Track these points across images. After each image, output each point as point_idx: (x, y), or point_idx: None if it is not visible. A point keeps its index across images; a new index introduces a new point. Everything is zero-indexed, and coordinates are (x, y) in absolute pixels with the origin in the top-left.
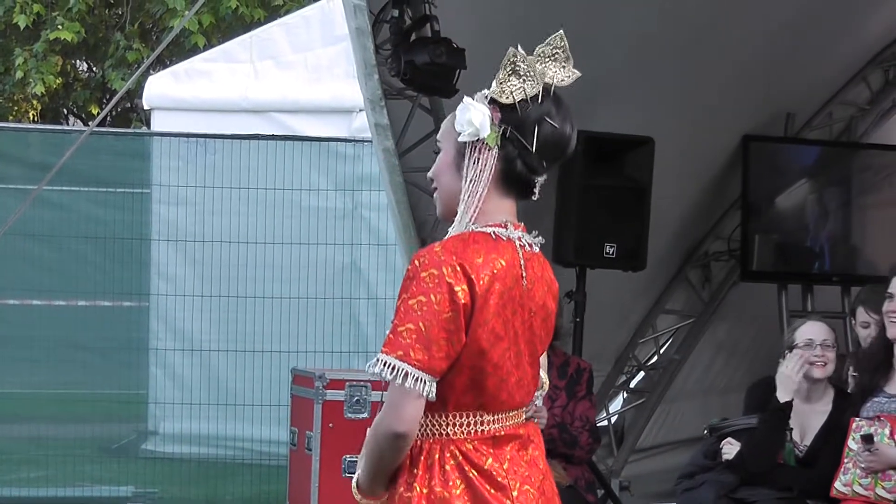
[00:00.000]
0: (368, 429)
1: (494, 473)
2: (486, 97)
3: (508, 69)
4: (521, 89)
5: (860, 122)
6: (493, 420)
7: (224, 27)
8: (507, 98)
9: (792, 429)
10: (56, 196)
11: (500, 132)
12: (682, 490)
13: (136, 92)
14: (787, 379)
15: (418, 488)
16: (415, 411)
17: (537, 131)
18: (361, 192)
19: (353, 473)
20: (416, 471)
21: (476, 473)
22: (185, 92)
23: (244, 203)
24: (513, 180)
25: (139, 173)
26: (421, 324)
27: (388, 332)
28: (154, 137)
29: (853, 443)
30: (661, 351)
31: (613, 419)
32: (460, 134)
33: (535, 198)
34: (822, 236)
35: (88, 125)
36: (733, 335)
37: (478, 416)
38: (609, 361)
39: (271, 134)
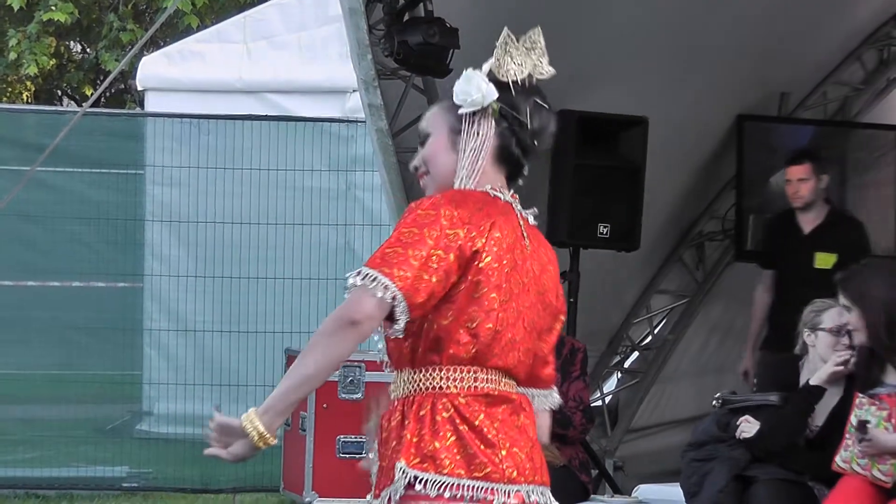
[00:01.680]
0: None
1: (485, 430)
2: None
3: (503, 49)
4: (515, 70)
5: (854, 101)
6: (487, 379)
7: (217, 8)
8: (504, 76)
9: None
10: (50, 177)
11: (498, 109)
12: (689, 459)
13: (130, 73)
14: (824, 365)
15: (408, 436)
16: (377, 313)
17: (529, 112)
18: (355, 172)
19: (349, 453)
20: (406, 422)
21: (467, 428)
22: (178, 73)
23: (238, 184)
24: (506, 158)
25: (133, 154)
26: (410, 251)
27: (376, 251)
28: (148, 118)
29: (854, 419)
30: (655, 331)
31: (607, 399)
32: (459, 107)
33: (520, 183)
34: None
35: (82, 106)
36: (727, 315)
37: (471, 373)
38: (603, 342)
39: (265, 114)
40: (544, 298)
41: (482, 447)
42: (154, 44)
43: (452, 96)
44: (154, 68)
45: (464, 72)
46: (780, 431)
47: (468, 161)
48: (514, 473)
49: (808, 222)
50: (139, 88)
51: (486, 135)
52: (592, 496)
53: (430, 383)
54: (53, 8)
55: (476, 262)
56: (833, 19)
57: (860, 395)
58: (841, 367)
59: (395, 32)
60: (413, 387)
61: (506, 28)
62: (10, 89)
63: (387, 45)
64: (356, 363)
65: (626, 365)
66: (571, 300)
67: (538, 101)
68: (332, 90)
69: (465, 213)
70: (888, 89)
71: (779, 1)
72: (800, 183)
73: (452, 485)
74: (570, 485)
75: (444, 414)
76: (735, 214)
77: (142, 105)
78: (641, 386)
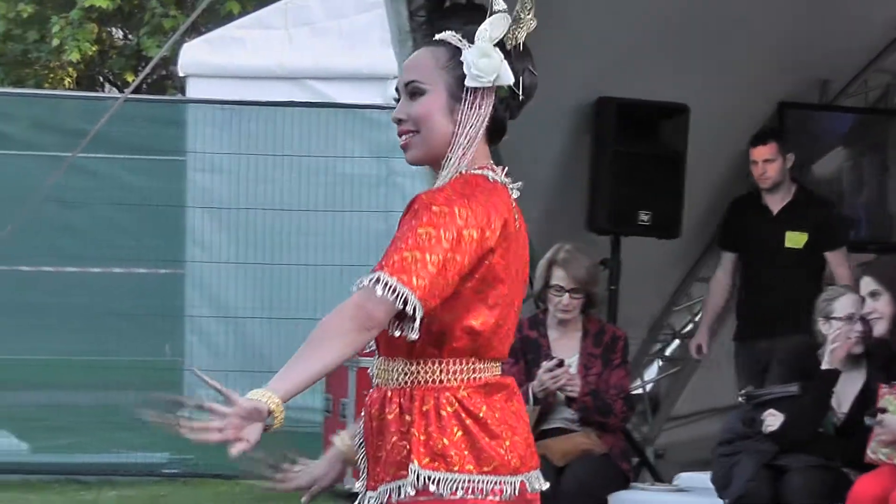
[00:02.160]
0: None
1: (490, 422)
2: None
3: (503, 18)
4: (516, 35)
5: None
6: (484, 368)
7: None
8: (510, 43)
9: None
10: (91, 163)
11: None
12: (719, 455)
13: (172, 59)
14: (836, 351)
15: (416, 434)
16: (387, 319)
17: (524, 81)
18: (396, 159)
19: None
20: (408, 418)
21: (472, 421)
22: (220, 59)
23: (279, 170)
24: (497, 130)
25: (174, 140)
26: (428, 255)
27: (389, 248)
28: (189, 105)
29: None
30: (696, 319)
31: (648, 387)
32: (466, 77)
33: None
34: (857, 204)
35: (123, 92)
36: None
37: (470, 364)
38: (644, 329)
39: (306, 101)
40: (525, 274)
41: (488, 440)
42: (195, 30)
43: (450, 52)
44: (195, 54)
45: (478, 44)
46: (802, 421)
47: (465, 139)
48: (519, 463)
49: (776, 202)
50: (181, 74)
51: (486, 108)
52: (633, 484)
53: (430, 377)
54: None
55: (486, 261)
56: (875, 6)
57: (884, 386)
58: (838, 344)
59: (435, 19)
60: (410, 378)
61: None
62: (52, 75)
63: (427, 31)
64: None
65: (667, 353)
66: (612, 288)
67: (530, 67)
68: (372, 77)
69: (478, 209)
70: None
71: None
72: (766, 164)
73: (464, 481)
74: (611, 472)
75: (449, 409)
76: None
77: (183, 91)
78: (682, 374)
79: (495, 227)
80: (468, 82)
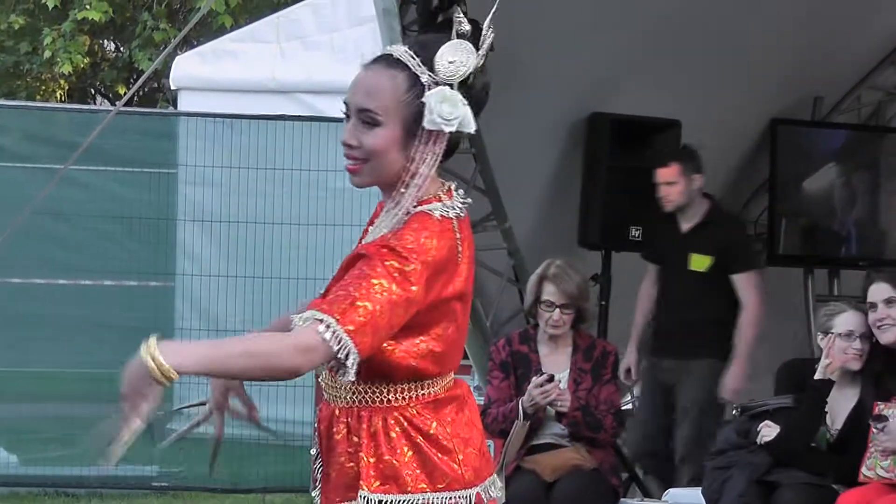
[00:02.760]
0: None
1: (440, 438)
2: (443, 76)
3: (462, 48)
4: (476, 66)
5: (889, 106)
6: (433, 383)
7: (251, 7)
8: (467, 77)
9: (827, 412)
10: (83, 176)
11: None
12: (711, 468)
13: (163, 72)
14: (822, 363)
15: (365, 458)
16: (317, 367)
17: (479, 105)
18: None
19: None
20: (356, 439)
21: (423, 439)
22: (211, 72)
23: (270, 184)
24: (450, 152)
25: (166, 153)
26: (378, 307)
27: (340, 292)
28: (181, 117)
29: (874, 428)
30: None
31: (638, 402)
32: (425, 119)
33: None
34: (849, 220)
35: (115, 105)
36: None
37: (419, 382)
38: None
39: (298, 115)
40: (471, 278)
41: (440, 456)
42: (187, 43)
43: (409, 81)
44: (187, 67)
45: (441, 90)
46: (797, 432)
47: (420, 178)
48: (473, 476)
49: (686, 222)
50: (172, 87)
51: (441, 147)
52: (622, 499)
53: (378, 397)
54: (88, 7)
55: (443, 306)
56: (867, 24)
57: (878, 403)
58: (831, 359)
59: (428, 33)
60: (357, 398)
61: (488, 26)
62: (43, 87)
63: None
64: None
65: None
66: (603, 303)
67: (486, 89)
68: None
69: (428, 260)
70: None
71: (813, 5)
72: (668, 186)
73: (418, 501)
74: (600, 488)
75: (398, 429)
76: (768, 218)
77: (175, 104)
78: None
79: (452, 273)
80: (426, 124)
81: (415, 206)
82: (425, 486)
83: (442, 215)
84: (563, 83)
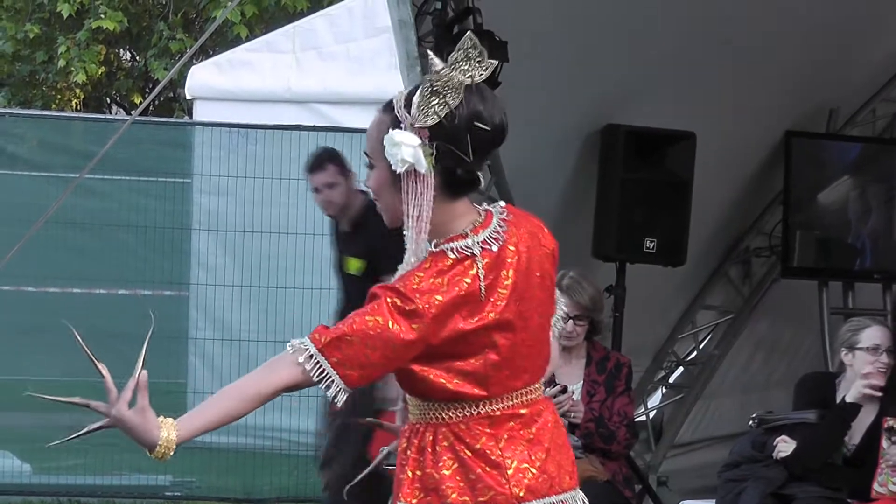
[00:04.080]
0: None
1: (488, 452)
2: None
3: (426, 92)
4: (444, 104)
5: None
6: (487, 403)
7: (267, 18)
8: (432, 119)
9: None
10: (98, 185)
11: (434, 150)
12: (725, 480)
13: (179, 81)
14: (857, 383)
15: (409, 472)
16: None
17: (470, 138)
18: None
19: (391, 464)
20: (409, 453)
21: (470, 453)
22: (227, 82)
23: (285, 193)
24: (457, 186)
25: (181, 163)
26: (368, 342)
27: (337, 326)
28: (196, 127)
29: (885, 441)
30: (701, 347)
31: (652, 414)
32: (392, 164)
33: (482, 186)
34: (863, 233)
35: (131, 114)
36: (773, 332)
37: (467, 402)
38: (648, 356)
39: (313, 125)
40: (540, 290)
41: (487, 469)
42: (203, 53)
43: (392, 125)
44: (203, 77)
45: (392, 134)
46: (816, 449)
47: (413, 221)
48: (523, 492)
49: (345, 225)
50: (188, 97)
51: (425, 187)
52: None
53: (434, 415)
54: (103, 16)
55: (473, 337)
56: (883, 36)
57: (889, 419)
58: (870, 390)
59: (444, 45)
60: (421, 414)
61: (427, 79)
62: (59, 96)
63: (436, 56)
64: None
65: (671, 380)
66: (617, 314)
67: (477, 120)
68: (380, 101)
69: (453, 297)
70: None
71: (828, 17)
72: (329, 190)
73: None
74: (614, 499)
75: (445, 443)
76: (782, 230)
77: (190, 114)
78: (686, 401)
79: (457, 308)
80: (393, 166)
81: (438, 245)
82: (468, 498)
83: (460, 253)
84: (578, 94)
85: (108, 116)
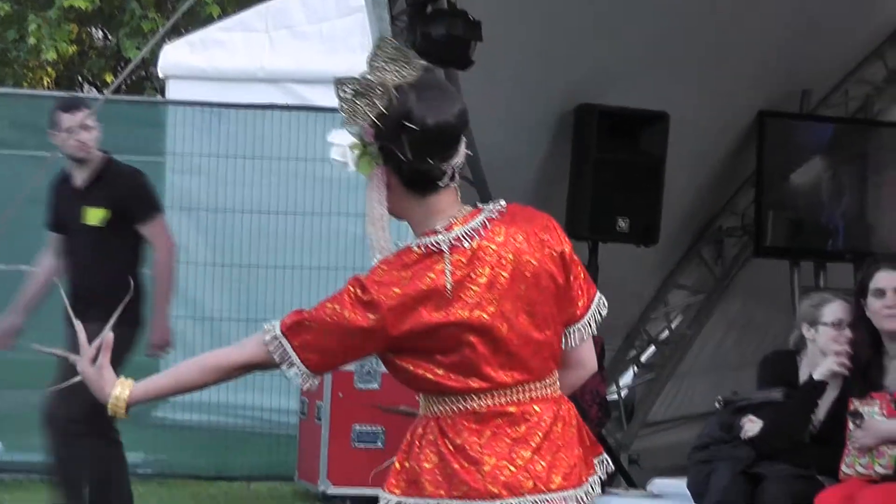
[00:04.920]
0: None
1: (468, 448)
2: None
3: (349, 95)
4: (372, 105)
5: (876, 99)
6: (476, 398)
7: None
8: (363, 120)
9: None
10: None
11: (379, 149)
12: (695, 462)
13: (151, 60)
14: (823, 359)
15: (398, 463)
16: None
17: (405, 138)
18: None
19: (365, 443)
20: (402, 445)
21: (451, 448)
22: (200, 61)
23: (258, 173)
24: (414, 184)
25: (153, 142)
26: (325, 329)
27: (299, 309)
28: (169, 106)
29: (851, 424)
30: (673, 326)
31: (624, 393)
32: None
33: (454, 184)
34: (836, 213)
35: (103, 93)
36: (745, 311)
37: (459, 396)
38: (620, 335)
39: (286, 104)
40: (535, 291)
41: (465, 465)
42: (176, 32)
43: None
44: (176, 56)
45: (332, 135)
46: (784, 428)
47: (370, 221)
48: (498, 489)
49: (82, 177)
50: (161, 76)
51: (380, 187)
52: (607, 489)
53: (428, 408)
54: None
55: (444, 332)
56: (856, 17)
57: (854, 400)
58: (841, 368)
59: (417, 24)
60: (421, 409)
61: (350, 81)
62: (30, 75)
63: (409, 36)
64: None
65: (643, 359)
66: None
67: (407, 121)
68: None
69: (414, 290)
70: None
71: None
72: (86, 133)
73: None
74: None
75: (430, 437)
76: (754, 211)
77: (163, 93)
78: (658, 380)
79: (420, 302)
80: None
81: (406, 244)
82: (443, 492)
83: (427, 248)
84: (551, 74)
85: (81, 95)
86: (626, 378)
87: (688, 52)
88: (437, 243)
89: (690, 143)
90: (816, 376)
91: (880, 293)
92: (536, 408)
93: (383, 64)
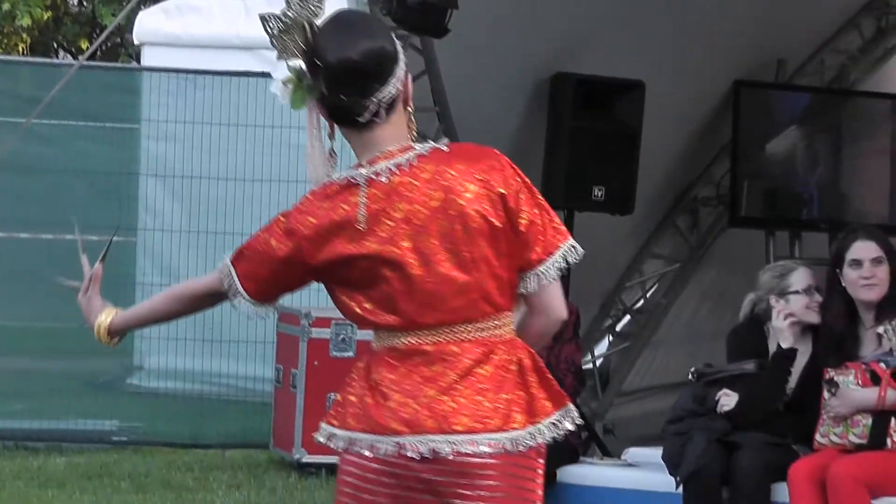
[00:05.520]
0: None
1: (381, 383)
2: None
3: (277, 31)
4: (295, 41)
5: (852, 69)
6: (399, 335)
7: None
8: (293, 55)
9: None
10: (45, 130)
11: (314, 85)
12: (669, 434)
13: (127, 27)
14: (791, 326)
15: (339, 397)
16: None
17: (320, 75)
18: None
19: None
20: (346, 378)
21: (370, 382)
22: (175, 27)
23: (233, 140)
24: (341, 119)
25: (129, 108)
26: (257, 258)
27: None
28: (144, 73)
29: (826, 393)
30: (648, 295)
31: (599, 362)
32: None
33: (388, 118)
34: (811, 183)
35: (78, 59)
36: (720, 281)
37: (387, 332)
38: (595, 305)
39: (262, 71)
40: (462, 231)
41: (377, 399)
42: None
43: None
44: (151, 23)
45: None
46: (760, 399)
47: (306, 155)
48: (400, 426)
49: None
50: (136, 43)
51: (309, 116)
52: (582, 458)
53: (372, 343)
54: None
55: (361, 264)
56: None
57: (828, 370)
58: (792, 319)
59: None
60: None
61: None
62: (5, 41)
63: (385, 4)
64: (348, 321)
65: (618, 328)
66: None
67: (317, 59)
68: None
69: (328, 220)
70: (885, 58)
71: None
72: None
73: (347, 438)
74: (560, 447)
75: (360, 371)
76: (730, 180)
77: (138, 59)
78: (633, 350)
79: (334, 232)
80: None
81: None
82: (353, 423)
83: (346, 181)
84: (527, 42)
85: (56, 61)
86: (602, 347)
87: (664, 21)
88: (355, 176)
89: (666, 113)
90: (785, 344)
91: (857, 263)
92: (455, 349)
93: (300, 0)
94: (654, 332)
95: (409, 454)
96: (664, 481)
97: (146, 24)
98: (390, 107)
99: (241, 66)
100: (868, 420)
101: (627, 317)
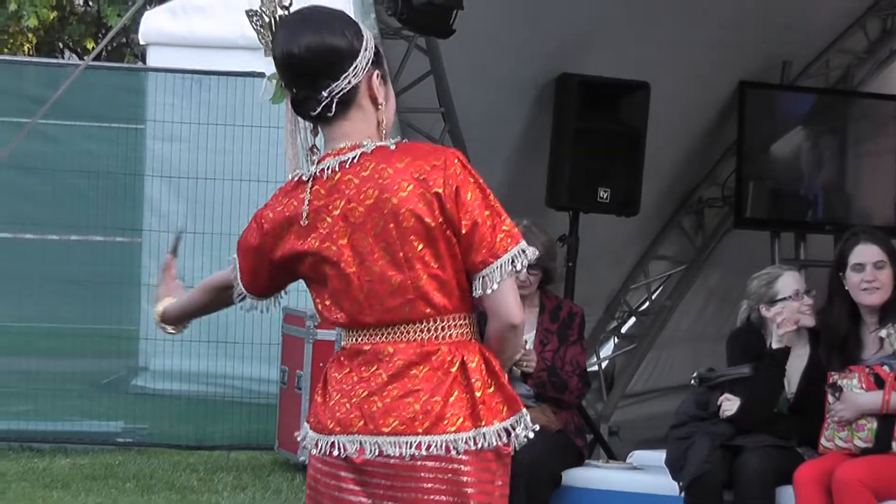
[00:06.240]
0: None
1: (329, 382)
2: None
3: (256, 27)
4: (268, 37)
5: (857, 70)
6: (349, 336)
7: None
8: (269, 51)
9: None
10: (51, 130)
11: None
12: (673, 438)
13: (132, 27)
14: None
15: (318, 397)
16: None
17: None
18: None
19: None
20: None
21: (325, 380)
22: (181, 28)
23: (238, 140)
24: (300, 113)
25: (134, 109)
26: (240, 252)
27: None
28: (149, 73)
29: (830, 397)
30: (653, 297)
31: (604, 364)
32: None
33: (314, 113)
34: (816, 184)
35: (84, 59)
36: (725, 282)
37: (342, 329)
38: (600, 306)
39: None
40: (396, 229)
41: (323, 398)
42: None
43: None
44: (157, 23)
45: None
46: (759, 402)
47: (285, 148)
48: (332, 424)
49: None
50: (142, 43)
51: (288, 116)
52: (587, 461)
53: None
54: None
55: (310, 259)
56: None
57: (832, 373)
58: (787, 324)
59: None
60: None
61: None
62: (11, 41)
63: (391, 4)
64: None
65: (623, 330)
66: (570, 264)
67: (275, 42)
68: None
69: (280, 216)
70: (891, 59)
71: None
72: None
73: (306, 436)
74: (565, 449)
75: (325, 368)
76: (735, 181)
77: (144, 59)
78: (638, 351)
79: (286, 228)
80: None
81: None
82: (313, 422)
83: (298, 177)
84: (532, 43)
85: (61, 61)
86: (606, 349)
87: (669, 21)
88: (305, 173)
89: (671, 114)
90: (775, 345)
91: (859, 267)
92: (391, 349)
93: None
94: (659, 333)
95: (335, 453)
96: (669, 485)
97: (152, 24)
98: (345, 102)
99: (247, 67)
100: (873, 424)
101: (633, 318)
